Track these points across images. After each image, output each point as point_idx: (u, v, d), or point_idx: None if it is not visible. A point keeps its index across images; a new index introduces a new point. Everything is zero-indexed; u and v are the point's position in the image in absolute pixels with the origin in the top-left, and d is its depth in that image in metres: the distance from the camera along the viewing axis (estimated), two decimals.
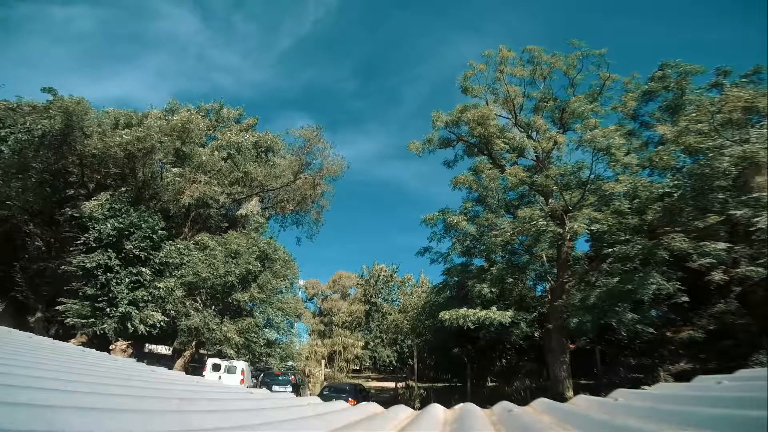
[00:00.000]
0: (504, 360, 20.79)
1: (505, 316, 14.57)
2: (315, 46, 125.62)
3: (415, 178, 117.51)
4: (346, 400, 16.50)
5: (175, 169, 23.19)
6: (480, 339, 19.04)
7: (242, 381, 19.14)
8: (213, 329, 19.73)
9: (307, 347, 35.39)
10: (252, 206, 25.47)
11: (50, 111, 19.88)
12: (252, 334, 20.67)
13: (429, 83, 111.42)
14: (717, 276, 15.09)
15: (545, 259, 17.56)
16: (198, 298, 20.70)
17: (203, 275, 20.23)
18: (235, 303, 21.02)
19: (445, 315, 14.90)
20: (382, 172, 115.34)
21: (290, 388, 18.60)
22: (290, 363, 24.47)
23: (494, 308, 14.87)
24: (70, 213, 19.85)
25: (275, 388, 18.54)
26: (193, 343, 20.99)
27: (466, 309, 14.81)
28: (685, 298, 15.62)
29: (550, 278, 17.64)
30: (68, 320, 18.19)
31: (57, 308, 18.89)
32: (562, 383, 16.50)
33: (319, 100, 73.71)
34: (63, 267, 18.74)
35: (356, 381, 26.67)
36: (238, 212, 25.36)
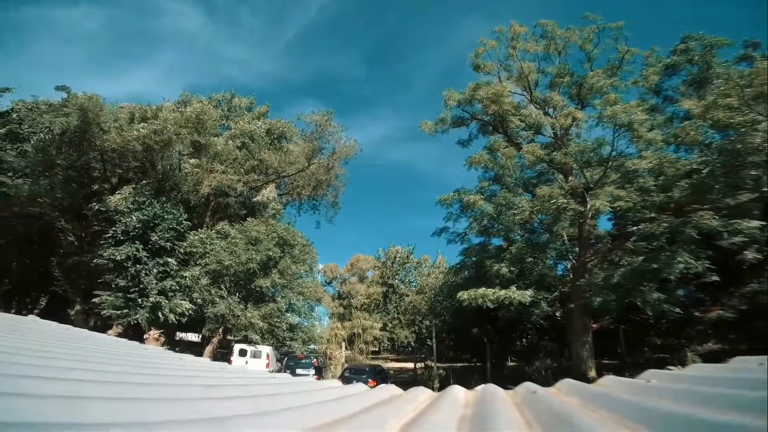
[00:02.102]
0: (524, 340, 20.65)
1: (525, 295, 14.38)
2: (321, 34, 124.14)
3: (428, 160, 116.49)
4: (366, 382, 16.84)
5: (193, 160, 23.54)
6: (500, 319, 18.89)
7: (267, 365, 19.70)
8: (238, 315, 20.28)
9: (327, 330, 36.17)
10: (268, 193, 25.72)
11: (66, 108, 20.38)
12: (275, 319, 21.13)
13: (439, 67, 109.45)
14: (750, 255, 14.42)
15: (566, 238, 17.13)
16: (222, 286, 21.23)
17: (226, 263, 20.69)
18: (258, 289, 21.47)
19: (463, 295, 14.79)
20: (394, 155, 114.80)
21: (313, 371, 19.08)
22: (312, 346, 25.03)
23: (513, 288, 14.69)
24: (96, 207, 20.50)
25: (299, 371, 19.03)
26: (220, 330, 21.66)
27: (485, 289, 14.66)
28: (715, 278, 15.04)
29: (571, 257, 17.23)
30: (104, 312, 18.96)
31: (93, 300, 19.73)
32: (584, 363, 16.31)
33: (329, 87, 73.67)
34: (95, 260, 19.49)
35: (375, 362, 27.08)
36: (255, 199, 25.66)
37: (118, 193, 21.08)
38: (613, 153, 15.20)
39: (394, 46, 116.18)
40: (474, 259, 18.08)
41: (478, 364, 21.59)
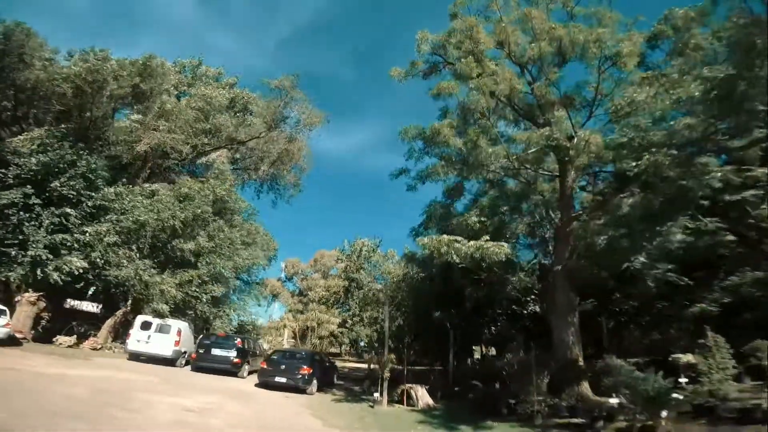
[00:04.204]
0: (494, 327, 16.95)
1: (502, 248, 10.95)
2: (313, 33, 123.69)
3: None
4: (298, 369, 12.79)
5: (135, 116, 20.16)
6: (467, 299, 15.33)
7: (177, 343, 15.45)
8: (146, 282, 16.15)
9: (277, 323, 31.80)
10: (218, 158, 22.29)
11: None
12: (193, 289, 17.05)
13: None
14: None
15: (545, 194, 14.03)
16: (134, 247, 17.19)
17: (142, 219, 16.84)
18: (179, 253, 17.46)
19: (424, 241, 11.26)
20: (375, 162, 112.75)
21: (234, 353, 14.89)
22: (246, 325, 20.70)
23: (486, 237, 11.32)
24: None
25: (215, 351, 14.78)
26: (129, 301, 17.36)
27: (450, 237, 11.28)
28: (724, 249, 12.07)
29: (552, 215, 14.06)
30: None
31: None
32: (570, 350, 12.59)
33: (315, 88, 71.28)
34: None
35: (321, 351, 22.59)
36: (200, 161, 22.12)
37: (25, 134, 17.34)
38: (602, 84, 12.60)
39: (387, 49, 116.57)
40: (440, 211, 14.67)
41: (438, 367, 17.65)
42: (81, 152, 17.05)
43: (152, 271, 16.73)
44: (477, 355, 20.29)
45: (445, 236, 11.33)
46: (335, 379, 17.23)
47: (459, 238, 11.15)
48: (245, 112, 26.31)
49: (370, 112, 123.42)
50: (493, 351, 20.13)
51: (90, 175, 16.96)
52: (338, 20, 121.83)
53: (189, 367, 15.13)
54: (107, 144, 20.31)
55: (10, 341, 12.63)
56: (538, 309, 16.23)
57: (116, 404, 7.13)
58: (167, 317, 15.74)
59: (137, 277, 16.09)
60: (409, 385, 13.09)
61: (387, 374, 12.53)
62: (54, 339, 15.27)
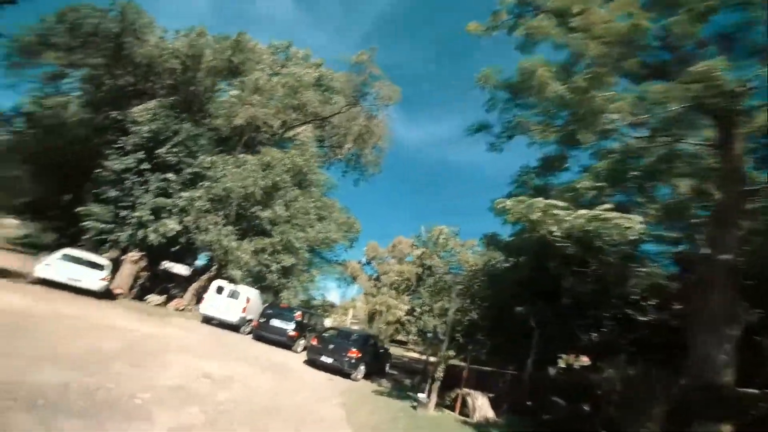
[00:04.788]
0: (595, 333, 13.18)
1: (632, 221, 7.93)
2: (393, 27, 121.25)
3: (492, 162, 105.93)
4: (347, 350, 11.86)
5: (234, 92, 21.46)
6: (563, 295, 12.25)
7: (244, 310, 15.90)
8: (226, 247, 17.02)
9: (346, 303, 32.04)
10: (303, 133, 22.96)
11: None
12: (266, 257, 17.41)
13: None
14: None
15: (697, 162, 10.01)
16: (222, 214, 18.27)
17: (228, 185, 17.76)
18: (257, 221, 18.01)
19: (506, 204, 8.33)
20: (456, 155, 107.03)
21: (292, 326, 14.73)
22: (313, 300, 20.82)
23: (607, 206, 8.36)
24: (113, 115, 19.11)
25: (274, 322, 14.77)
26: (214, 266, 18.71)
27: (549, 202, 8.54)
28: None
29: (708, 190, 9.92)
30: (86, 223, 16.24)
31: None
32: (718, 372, 8.68)
33: (400, 81, 69.69)
34: (97, 171, 17.18)
35: (378, 336, 21.32)
36: (287, 134, 22.91)
37: (143, 105, 19.62)
38: None
39: (465, 43, 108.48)
40: (534, 179, 11.56)
41: (510, 372, 14.92)
42: (183, 122, 18.41)
43: (232, 237, 17.52)
44: (562, 364, 16.86)
45: (539, 199, 8.50)
46: (387, 368, 15.93)
47: (560, 203, 8.44)
48: (329, 90, 26.69)
49: (451, 105, 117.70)
50: (583, 361, 16.43)
51: (189, 143, 18.09)
52: (418, 12, 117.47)
53: (252, 336, 15.16)
54: (208, 116, 22.02)
55: (106, 295, 13.78)
56: (662, 315, 12.20)
57: (134, 361, 6.83)
58: (239, 284, 16.35)
59: (218, 242, 17.03)
60: (467, 389, 11.02)
61: (440, 373, 10.72)
62: (146, 297, 16.53)
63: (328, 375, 11.29)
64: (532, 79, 9.52)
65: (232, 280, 16.41)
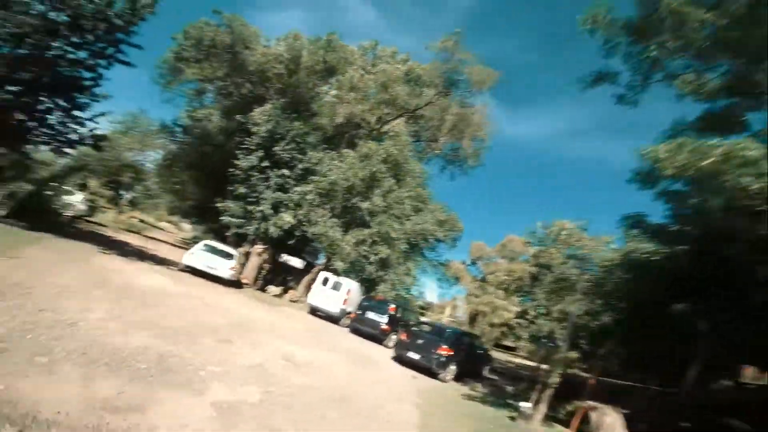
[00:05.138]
0: None
1: None
2: (483, 18, 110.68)
3: (616, 153, 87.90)
4: (436, 347, 11.01)
5: (333, 91, 22.69)
6: (751, 290, 8.72)
7: (345, 302, 16.42)
8: (331, 238, 17.95)
9: (446, 301, 30.34)
10: (397, 126, 22.97)
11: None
12: (364, 248, 17.75)
13: None
14: None
15: None
16: (329, 207, 19.38)
17: (333, 179, 18.68)
18: (358, 213, 18.54)
19: (658, 153, 6.20)
20: (570, 151, 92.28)
21: (385, 319, 14.60)
22: (408, 295, 20.27)
23: None
24: (237, 118, 21.14)
25: (369, 315, 14.85)
26: (324, 258, 19.99)
27: (733, 143, 6.03)
28: None
29: None
30: (224, 219, 18.92)
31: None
32: None
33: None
34: (230, 170, 19.76)
35: (474, 335, 19.19)
36: (383, 129, 23.23)
37: (260, 108, 21.90)
38: None
39: (565, 27, 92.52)
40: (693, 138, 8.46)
41: (655, 387, 11.66)
42: (293, 121, 19.81)
43: (337, 230, 18.29)
44: (746, 377, 12.40)
45: (715, 141, 6.03)
46: (486, 372, 14.40)
47: (753, 143, 5.82)
48: (418, 83, 26.15)
49: (562, 94, 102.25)
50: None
51: (299, 140, 19.50)
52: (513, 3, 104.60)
53: (349, 328, 15.21)
54: (313, 115, 23.42)
55: (234, 283, 15.50)
56: None
57: (225, 337, 7.34)
58: (341, 275, 17.01)
59: (325, 234, 18.05)
60: (593, 403, 8.92)
61: (555, 379, 8.94)
62: (267, 288, 18.41)
63: (414, 372, 10.63)
64: (661, 8, 7.16)
65: (335, 272, 17.16)
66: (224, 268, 14.98)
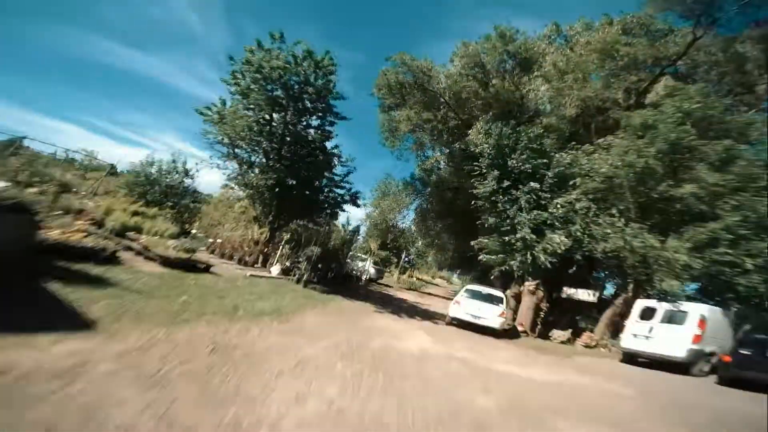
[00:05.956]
0: None
1: None
2: None
3: None
4: None
5: (544, 87, 18.46)
6: None
7: (697, 339, 9.34)
8: (639, 251, 11.40)
9: None
10: (660, 88, 14.76)
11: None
12: (721, 251, 10.00)
13: None
14: None
15: None
16: (615, 210, 13.21)
17: (606, 172, 12.91)
18: (677, 205, 11.33)
19: None
20: None
21: None
22: None
23: None
24: (457, 147, 19.41)
25: None
26: (630, 285, 13.18)
27: None
28: None
29: None
30: (482, 258, 16.04)
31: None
32: None
33: None
34: (473, 204, 17.18)
35: None
36: (645, 100, 15.55)
37: (473, 129, 18.92)
38: None
39: None
40: None
41: None
42: (518, 128, 16.38)
43: (646, 236, 11.97)
44: None
45: None
46: None
47: None
48: (655, 30, 16.86)
49: None
50: None
51: (533, 146, 15.56)
52: None
53: (715, 379, 8.58)
54: (535, 116, 19.11)
55: (507, 333, 12.17)
56: None
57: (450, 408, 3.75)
58: (681, 300, 10.16)
59: (625, 247, 11.97)
60: None
61: None
62: (550, 333, 13.67)
63: None
64: None
65: (665, 296, 10.54)
66: (493, 316, 12.09)
